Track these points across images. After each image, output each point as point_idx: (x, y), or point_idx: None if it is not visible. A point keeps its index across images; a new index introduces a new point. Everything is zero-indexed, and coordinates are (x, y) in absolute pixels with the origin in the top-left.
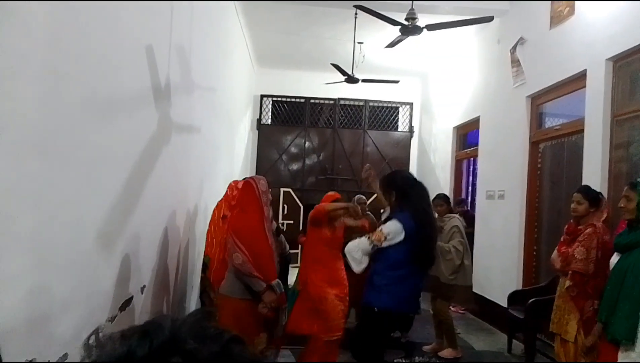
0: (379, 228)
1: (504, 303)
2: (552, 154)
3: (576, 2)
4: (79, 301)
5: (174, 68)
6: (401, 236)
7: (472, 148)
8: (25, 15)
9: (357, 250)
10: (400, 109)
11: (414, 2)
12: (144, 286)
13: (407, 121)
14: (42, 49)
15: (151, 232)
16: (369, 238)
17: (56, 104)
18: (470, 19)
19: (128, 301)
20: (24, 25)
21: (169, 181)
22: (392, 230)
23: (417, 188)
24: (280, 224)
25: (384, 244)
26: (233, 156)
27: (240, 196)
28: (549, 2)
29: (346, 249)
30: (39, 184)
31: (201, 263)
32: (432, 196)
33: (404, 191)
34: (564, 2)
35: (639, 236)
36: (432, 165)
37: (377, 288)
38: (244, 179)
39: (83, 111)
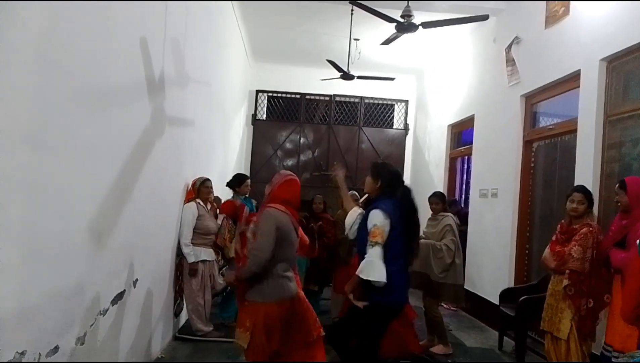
0: (372, 228)
1: (495, 300)
2: (545, 154)
3: (571, 3)
4: (70, 294)
5: (168, 61)
6: (388, 226)
7: (466, 146)
8: (20, 7)
9: (375, 262)
10: (396, 106)
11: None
12: (137, 279)
13: (403, 118)
14: (35, 41)
15: (144, 225)
16: (373, 243)
17: (49, 95)
18: (466, 17)
19: (120, 295)
20: (18, 18)
21: (162, 174)
22: (382, 221)
23: (401, 181)
24: None
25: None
26: (228, 150)
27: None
28: (545, 2)
29: (364, 269)
30: (30, 176)
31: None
32: (426, 193)
33: (390, 180)
34: (559, 2)
35: None
36: (427, 163)
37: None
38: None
39: (76, 103)
